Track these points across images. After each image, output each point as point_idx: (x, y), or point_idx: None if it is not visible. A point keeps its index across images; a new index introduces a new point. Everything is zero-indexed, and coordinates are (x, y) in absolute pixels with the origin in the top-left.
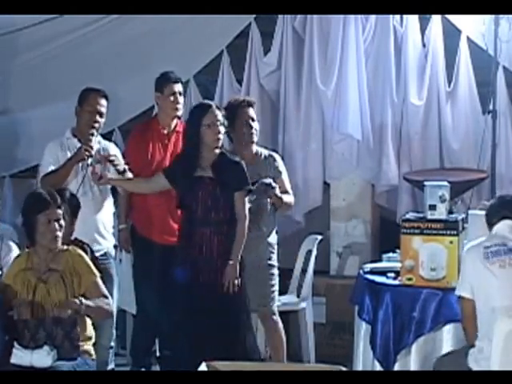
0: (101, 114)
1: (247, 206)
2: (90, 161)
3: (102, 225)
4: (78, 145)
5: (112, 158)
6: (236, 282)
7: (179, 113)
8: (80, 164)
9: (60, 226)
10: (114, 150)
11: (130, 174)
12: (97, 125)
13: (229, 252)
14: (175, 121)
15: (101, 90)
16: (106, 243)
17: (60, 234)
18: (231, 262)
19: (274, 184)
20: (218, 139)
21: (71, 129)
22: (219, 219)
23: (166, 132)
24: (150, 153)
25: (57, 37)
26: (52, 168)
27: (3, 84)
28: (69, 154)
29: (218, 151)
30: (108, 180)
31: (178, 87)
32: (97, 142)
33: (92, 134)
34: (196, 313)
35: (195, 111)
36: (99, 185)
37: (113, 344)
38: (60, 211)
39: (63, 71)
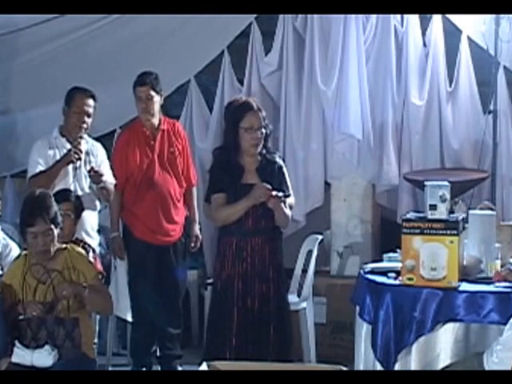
0: (88, 115)
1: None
2: (78, 164)
3: (89, 224)
4: (66, 144)
5: (101, 176)
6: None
7: (149, 115)
8: (70, 165)
9: (50, 239)
10: (101, 150)
11: (111, 187)
12: (85, 125)
13: (277, 258)
14: (157, 119)
15: (87, 90)
16: (93, 242)
17: (48, 247)
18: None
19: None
20: (257, 144)
21: (59, 127)
22: (269, 227)
23: (150, 132)
24: (137, 156)
25: (57, 36)
26: (40, 167)
27: (4, 84)
28: (57, 153)
29: (258, 156)
30: None
31: (144, 90)
32: (85, 143)
33: (81, 137)
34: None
35: (234, 112)
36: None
37: (96, 340)
38: (48, 225)
39: (64, 71)
